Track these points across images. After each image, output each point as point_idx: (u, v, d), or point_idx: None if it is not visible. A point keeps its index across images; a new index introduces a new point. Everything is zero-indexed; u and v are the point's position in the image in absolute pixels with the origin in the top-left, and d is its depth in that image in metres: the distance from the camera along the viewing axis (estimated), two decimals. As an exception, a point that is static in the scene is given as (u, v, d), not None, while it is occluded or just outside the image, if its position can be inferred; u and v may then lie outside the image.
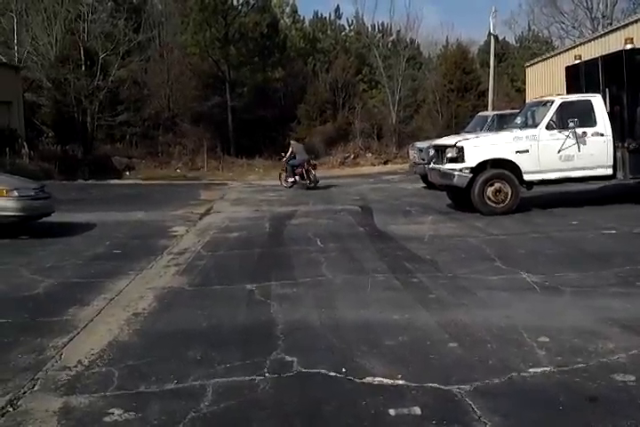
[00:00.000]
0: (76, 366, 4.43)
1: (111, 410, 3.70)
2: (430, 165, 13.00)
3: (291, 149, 19.60)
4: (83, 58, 29.35)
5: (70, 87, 28.70)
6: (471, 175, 11.28)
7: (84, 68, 29.20)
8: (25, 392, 4.00)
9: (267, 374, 4.17)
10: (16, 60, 31.00)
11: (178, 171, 29.15)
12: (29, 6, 33.64)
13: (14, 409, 3.77)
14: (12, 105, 26.72)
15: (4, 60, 30.65)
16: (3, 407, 3.78)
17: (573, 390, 3.78)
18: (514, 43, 46.17)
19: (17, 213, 10.01)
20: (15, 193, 10.05)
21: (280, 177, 20.23)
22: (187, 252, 8.94)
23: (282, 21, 41.91)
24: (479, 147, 11.57)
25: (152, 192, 19.75)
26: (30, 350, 4.77)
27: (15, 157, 22.50)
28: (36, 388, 4.08)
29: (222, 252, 9.00)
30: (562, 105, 11.62)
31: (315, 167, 19.56)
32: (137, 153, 31.09)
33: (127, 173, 27.56)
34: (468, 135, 13.37)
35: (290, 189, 19.00)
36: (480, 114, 20.17)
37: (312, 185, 18.91)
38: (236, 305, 5.98)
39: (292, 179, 19.27)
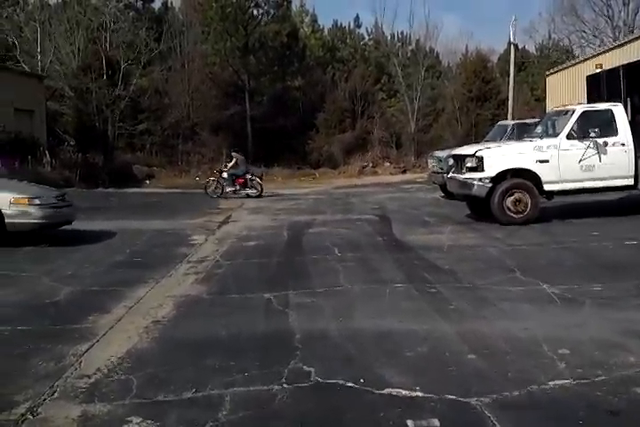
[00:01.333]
0: (95, 374, 4.45)
1: (130, 418, 3.71)
2: (449, 175, 12.96)
3: (235, 160, 20.60)
4: (104, 67, 29.65)
5: (92, 96, 29.01)
6: (491, 185, 11.22)
7: (105, 78, 29.50)
8: (45, 400, 4.03)
9: (285, 384, 4.16)
10: (39, 69, 31.46)
11: (197, 179, 29.27)
12: (52, 16, 34.15)
13: (34, 416, 3.79)
14: (34, 113, 27.06)
15: (28, 69, 31.09)
16: (23, 414, 3.80)
17: (594, 404, 3.74)
18: (534, 51, 46.01)
19: (38, 221, 10.10)
20: (37, 201, 10.15)
21: (207, 185, 20.80)
22: (205, 260, 8.98)
23: (301, 31, 42.13)
24: (499, 156, 11.52)
25: (171, 201, 19.86)
26: (50, 358, 4.81)
27: (37, 165, 22.75)
28: (55, 395, 4.11)
29: (241, 260, 9.02)
30: (583, 114, 11.54)
31: (261, 178, 20.94)
32: (157, 162, 31.33)
33: (147, 181, 27.74)
34: (487, 145, 13.33)
35: (309, 199, 19.02)
36: (500, 123, 20.11)
37: (257, 194, 20.08)
38: (254, 314, 5.98)
39: (232, 188, 20.16)
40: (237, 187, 20.14)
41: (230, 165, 20.60)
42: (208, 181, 20.97)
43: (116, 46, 31.68)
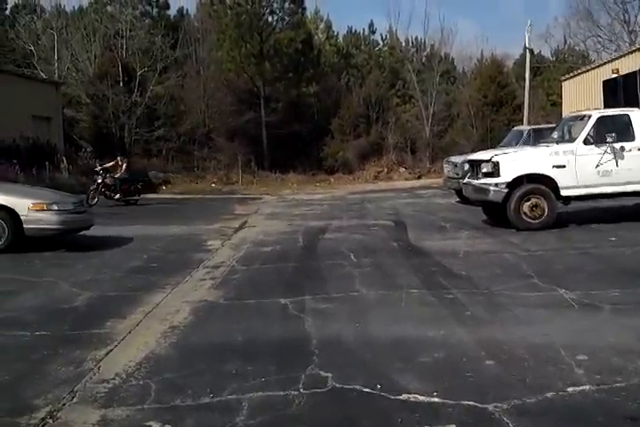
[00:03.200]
0: (113, 379, 4.48)
1: (149, 423, 3.73)
2: (465, 180, 12.93)
3: (125, 165, 19.69)
4: (121, 74, 29.92)
5: (108, 103, 29.26)
6: (507, 190, 11.17)
7: (122, 84, 29.76)
8: (64, 404, 4.06)
9: (302, 390, 4.17)
10: (56, 76, 31.80)
11: (213, 185, 29.39)
12: (69, 24, 34.55)
13: (54, 421, 3.82)
14: (51, 120, 27.32)
15: (45, 77, 31.42)
16: (43, 419, 3.84)
17: (613, 410, 3.72)
18: (549, 56, 45.80)
19: (56, 227, 10.17)
20: (55, 207, 10.22)
21: (93, 193, 18.40)
22: (222, 266, 9.00)
23: (316, 37, 42.22)
24: (515, 162, 11.48)
25: (188, 206, 19.95)
26: (69, 363, 4.84)
27: (54, 172, 22.93)
28: (74, 400, 4.14)
29: (257, 266, 9.04)
30: (599, 119, 11.47)
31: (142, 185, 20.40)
32: (173, 168, 31.45)
33: (163, 187, 27.83)
34: (503, 150, 13.29)
35: (324, 204, 19.02)
36: (516, 128, 20.03)
37: (136, 201, 19.51)
38: (270, 319, 6.00)
39: (118, 195, 19.10)
40: (121, 194, 19.17)
41: (122, 170, 19.43)
42: (95, 188, 18.60)
43: (132, 53, 31.96)
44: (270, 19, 35.77)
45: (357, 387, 4.18)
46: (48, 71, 32.70)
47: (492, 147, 19.94)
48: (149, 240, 11.57)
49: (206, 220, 14.99)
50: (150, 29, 36.23)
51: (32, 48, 33.25)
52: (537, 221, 11.13)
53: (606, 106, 13.25)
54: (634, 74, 12.46)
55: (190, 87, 34.82)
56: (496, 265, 8.31)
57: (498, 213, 11.77)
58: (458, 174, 16.10)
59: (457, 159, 17.30)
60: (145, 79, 31.21)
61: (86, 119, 32.25)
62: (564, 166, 11.23)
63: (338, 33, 46.15)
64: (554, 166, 11.23)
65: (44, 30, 33.89)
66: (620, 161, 11.20)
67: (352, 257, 9.30)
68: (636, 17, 37.08)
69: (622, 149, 11.21)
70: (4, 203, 9.93)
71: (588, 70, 25.10)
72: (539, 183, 11.29)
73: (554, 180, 11.23)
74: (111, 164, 19.75)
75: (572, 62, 40.17)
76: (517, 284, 7.09)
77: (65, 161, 24.56)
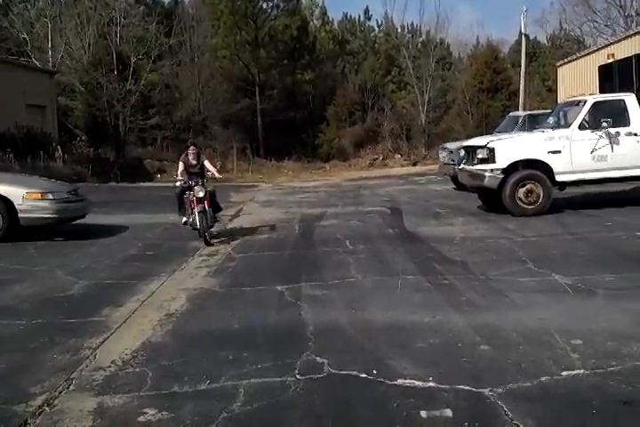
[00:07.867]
0: (110, 367, 4.49)
1: (145, 410, 3.75)
2: (460, 166, 12.92)
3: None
4: (115, 62, 29.68)
5: (103, 91, 29.06)
6: (502, 176, 11.17)
7: (116, 72, 29.53)
8: (61, 392, 4.07)
9: (298, 376, 4.18)
10: (50, 64, 31.59)
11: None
12: (63, 12, 34.27)
13: (50, 408, 3.84)
14: (45, 109, 27.18)
15: (39, 65, 31.22)
16: (39, 406, 3.85)
17: (607, 394, 3.74)
18: (545, 42, 45.70)
19: (51, 216, 10.16)
20: (50, 196, 10.21)
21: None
22: (217, 253, 9.01)
23: (311, 23, 41.98)
24: (511, 147, 11.47)
25: (183, 194, 19.85)
26: (65, 351, 4.85)
27: (49, 161, 22.85)
28: (71, 388, 4.15)
29: (252, 253, 9.05)
30: (595, 105, 11.46)
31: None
32: (168, 156, 31.32)
33: (158, 175, 27.73)
34: (499, 136, 13.27)
35: (320, 192, 18.98)
36: (511, 114, 19.98)
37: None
38: (266, 306, 6.01)
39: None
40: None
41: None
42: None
43: (126, 41, 31.67)
44: (265, 5, 35.62)
45: (353, 373, 4.20)
46: (42, 59, 32.48)
47: (488, 133, 19.92)
48: (145, 228, 11.57)
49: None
50: (144, 17, 35.92)
51: (26, 36, 33.00)
52: (532, 206, 11.15)
53: (602, 91, 13.23)
54: (629, 59, 12.43)
55: (185, 75, 34.64)
56: (491, 251, 8.32)
57: (493, 199, 11.77)
58: (453, 161, 16.06)
59: (452, 146, 17.25)
60: (139, 67, 30.97)
61: (80, 108, 32.07)
62: (559, 152, 11.22)
63: (333, 19, 45.97)
64: (549, 152, 11.23)
65: (38, 18, 33.63)
66: (614, 146, 11.21)
67: (348, 244, 9.31)
68: (632, 1, 36.98)
69: (617, 134, 11.21)
70: (-2, 192, 9.91)
71: (583, 56, 25.01)
72: (534, 169, 11.29)
73: (549, 165, 11.24)
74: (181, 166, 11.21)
75: (567, 48, 40.09)
76: (513, 269, 7.11)
77: (59, 150, 24.45)
